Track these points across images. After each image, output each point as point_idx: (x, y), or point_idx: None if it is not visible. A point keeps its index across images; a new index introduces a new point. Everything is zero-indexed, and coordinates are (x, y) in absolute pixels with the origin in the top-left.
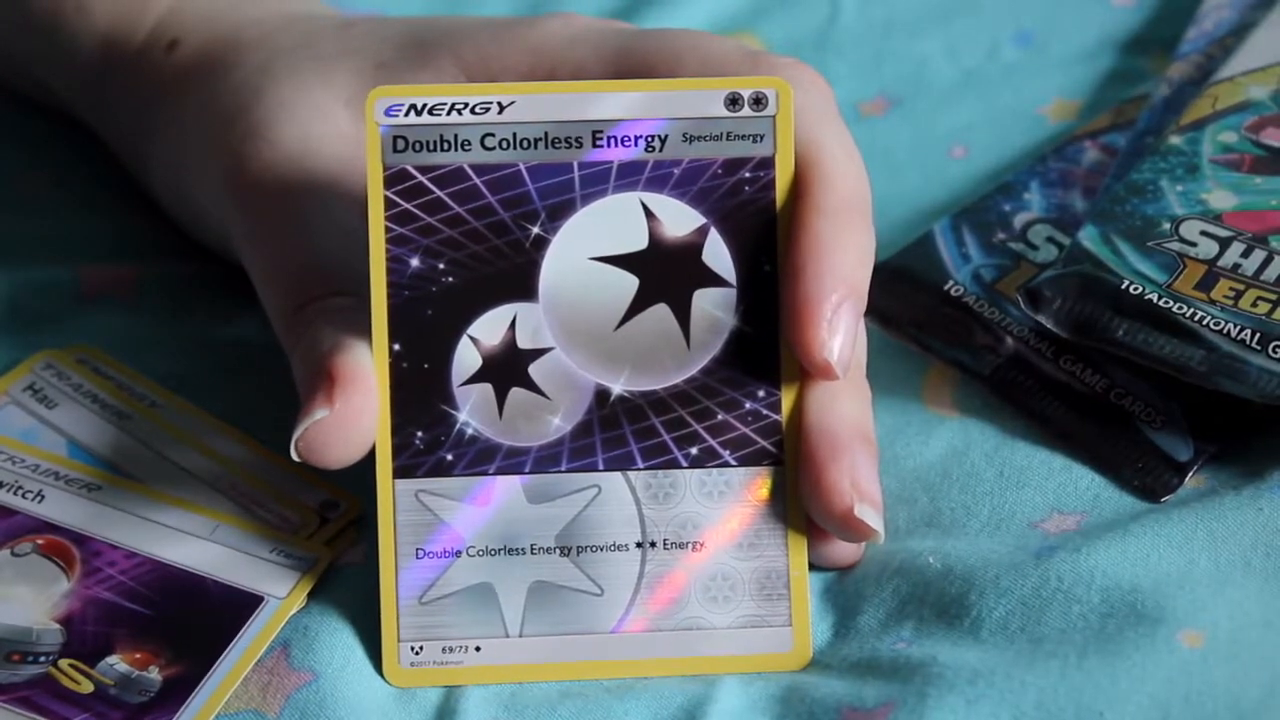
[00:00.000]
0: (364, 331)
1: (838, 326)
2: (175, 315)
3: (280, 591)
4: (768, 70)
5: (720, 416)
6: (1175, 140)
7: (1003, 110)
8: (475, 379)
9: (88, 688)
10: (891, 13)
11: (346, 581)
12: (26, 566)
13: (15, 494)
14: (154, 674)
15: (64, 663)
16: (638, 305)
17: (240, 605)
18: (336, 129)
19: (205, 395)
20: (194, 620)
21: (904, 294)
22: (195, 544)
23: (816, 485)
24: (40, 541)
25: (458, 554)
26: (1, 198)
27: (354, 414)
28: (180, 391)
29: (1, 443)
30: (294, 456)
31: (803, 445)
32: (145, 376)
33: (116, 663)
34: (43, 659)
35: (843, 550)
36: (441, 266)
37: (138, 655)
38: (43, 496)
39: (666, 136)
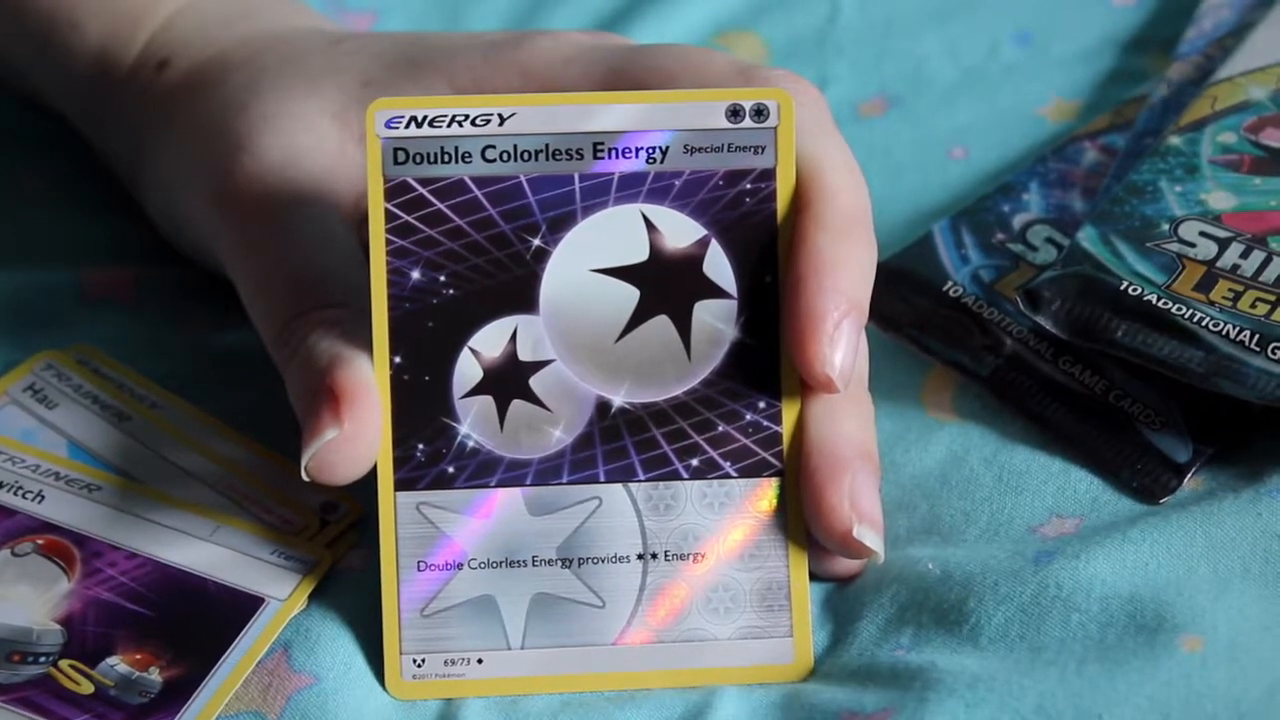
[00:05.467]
0: (361, 343)
1: (839, 341)
2: (175, 319)
3: (281, 593)
4: (762, 83)
5: (721, 428)
6: (1174, 141)
7: (1002, 111)
8: (476, 391)
9: (88, 688)
10: (891, 12)
11: (347, 585)
12: (27, 566)
13: (15, 494)
14: (154, 675)
15: (64, 663)
16: (639, 317)
17: (241, 606)
18: (321, 141)
19: (205, 398)
20: (195, 621)
21: (903, 295)
22: (196, 545)
23: (816, 505)
24: (40, 542)
25: (459, 566)
26: (2, 200)
27: (362, 431)
28: (180, 394)
29: (1, 443)
30: (304, 477)
31: (803, 463)
32: (145, 378)
33: (117, 663)
34: (43, 659)
35: (844, 563)
36: (442, 279)
37: (138, 656)
38: (43, 497)
39: (668, 148)
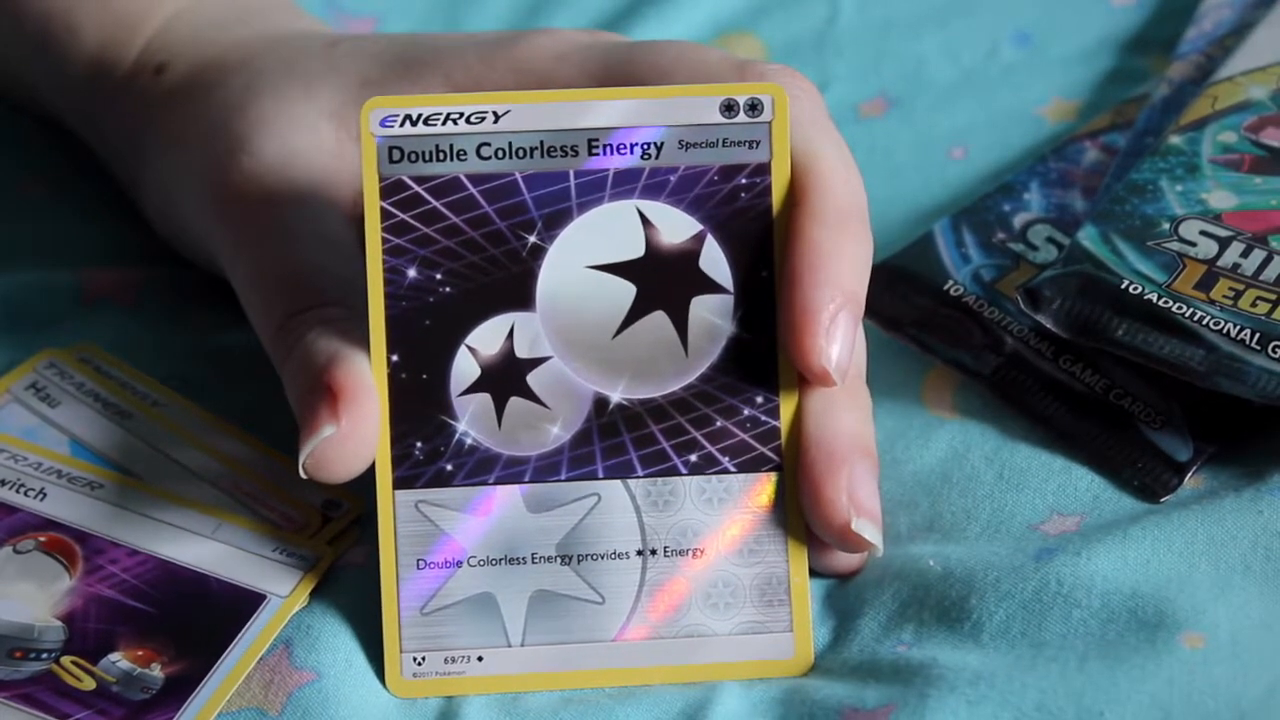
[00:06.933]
0: (358, 341)
1: (835, 334)
2: (175, 319)
3: (283, 590)
4: (757, 78)
5: (719, 423)
6: (1175, 140)
7: (1002, 111)
8: (474, 389)
9: (90, 685)
10: (891, 13)
11: (348, 582)
12: (29, 564)
13: (17, 492)
14: (156, 671)
15: (66, 660)
16: (635, 313)
17: (243, 603)
18: (318, 141)
19: (207, 397)
20: (196, 618)
21: (904, 294)
22: (198, 542)
23: (814, 499)
24: (42, 539)
25: (459, 564)
26: (3, 202)
27: (360, 428)
28: (182, 393)
29: (4, 441)
30: (302, 474)
31: (801, 457)
32: (147, 376)
33: (119, 660)
34: (45, 656)
35: (844, 558)
36: (439, 277)
37: (140, 652)
38: (45, 494)
39: (662, 144)
